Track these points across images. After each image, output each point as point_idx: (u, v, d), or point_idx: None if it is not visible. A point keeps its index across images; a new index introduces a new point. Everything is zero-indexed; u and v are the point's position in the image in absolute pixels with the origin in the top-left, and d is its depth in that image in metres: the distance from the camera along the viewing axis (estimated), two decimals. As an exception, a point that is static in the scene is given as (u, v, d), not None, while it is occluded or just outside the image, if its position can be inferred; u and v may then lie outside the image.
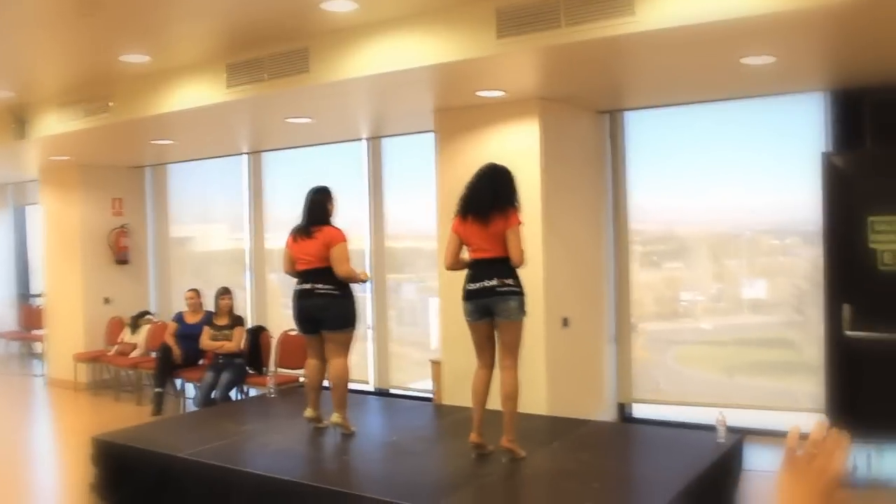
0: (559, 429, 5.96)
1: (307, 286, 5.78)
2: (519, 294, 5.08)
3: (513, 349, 5.12)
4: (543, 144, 6.75)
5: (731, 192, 7.67)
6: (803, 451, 1.46)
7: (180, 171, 11.34)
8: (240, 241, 10.82)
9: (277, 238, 10.45)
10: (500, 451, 5.09)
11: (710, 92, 6.99)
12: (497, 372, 5.16)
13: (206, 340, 8.59)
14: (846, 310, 6.41)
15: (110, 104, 7.35)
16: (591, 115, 7.60)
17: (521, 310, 5.09)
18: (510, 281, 5.06)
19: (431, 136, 8.38)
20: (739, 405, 7.22)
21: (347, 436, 5.84)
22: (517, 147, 6.71)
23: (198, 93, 6.75)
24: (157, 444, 5.77)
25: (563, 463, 5.19)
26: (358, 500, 4.53)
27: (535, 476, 4.97)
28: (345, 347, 5.90)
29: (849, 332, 6.39)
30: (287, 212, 10.21)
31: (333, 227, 5.90)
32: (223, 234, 11.44)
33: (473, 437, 5.15)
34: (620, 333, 7.86)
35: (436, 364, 7.53)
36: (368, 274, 6.24)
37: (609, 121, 7.80)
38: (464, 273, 5.25)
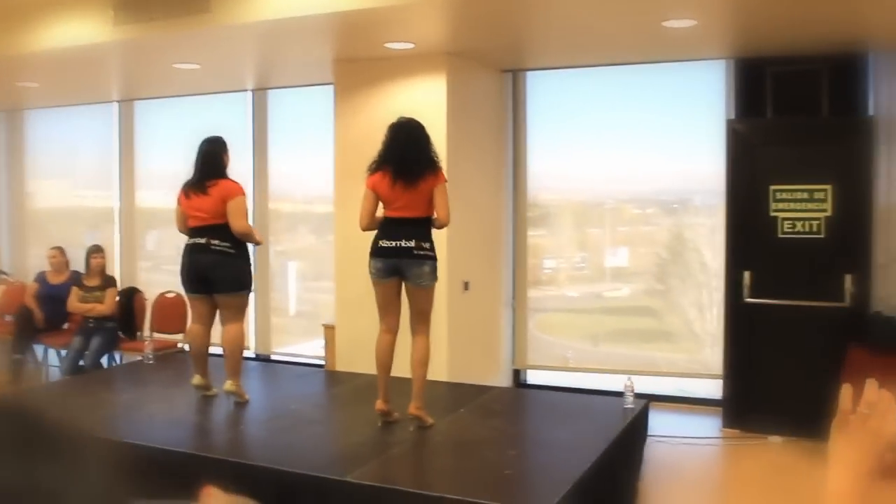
0: (463, 395, 5.91)
1: (201, 241, 5.49)
2: (433, 259, 4.99)
3: (425, 315, 5.04)
4: (450, 102, 6.66)
5: (628, 158, 7.80)
6: (856, 412, 1.42)
7: (39, 119, 10.65)
8: (107, 198, 10.29)
9: (150, 195, 10.04)
10: (407, 419, 5.00)
11: (617, 55, 7.06)
12: (402, 337, 5.07)
13: (75, 302, 8.11)
14: (746, 277, 6.63)
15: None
16: (495, 73, 7.56)
17: (434, 275, 5.01)
18: (427, 245, 4.96)
19: (320, 89, 8.23)
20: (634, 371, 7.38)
21: (241, 404, 5.62)
22: (422, 103, 6.55)
23: (79, 29, 6.30)
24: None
25: (473, 430, 5.14)
26: (263, 473, 4.35)
27: (447, 444, 4.92)
28: (240, 311, 5.68)
29: (748, 299, 6.61)
30: (161, 166, 9.81)
31: (230, 180, 5.63)
32: (88, 188, 10.84)
33: (380, 404, 5.05)
34: (517, 298, 7.90)
35: (329, 329, 7.38)
36: (262, 236, 6.00)
37: (512, 80, 7.76)
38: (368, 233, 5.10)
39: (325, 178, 7.68)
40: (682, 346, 7.70)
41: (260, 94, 8.96)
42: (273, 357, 8.99)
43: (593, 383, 7.53)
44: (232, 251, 5.51)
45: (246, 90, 8.94)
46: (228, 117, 9.19)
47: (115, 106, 9.90)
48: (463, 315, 6.78)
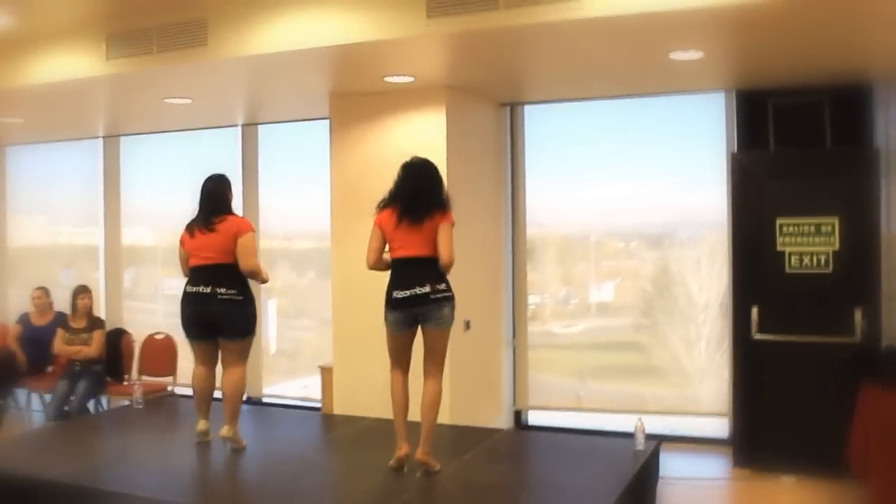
0: (467, 439, 5.79)
1: (206, 290, 5.33)
2: (452, 298, 4.89)
3: (441, 357, 4.93)
4: (450, 136, 6.60)
5: (622, 190, 7.76)
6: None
7: (20, 155, 10.51)
8: (90, 236, 10.14)
9: (136, 232, 9.91)
10: (413, 465, 4.87)
11: (617, 88, 7.06)
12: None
13: (61, 344, 7.93)
14: (754, 312, 6.56)
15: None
16: (494, 107, 7.53)
17: (453, 314, 4.92)
18: (442, 286, 4.85)
19: (308, 125, 8.20)
20: (638, 411, 7.28)
21: (238, 451, 5.47)
22: (421, 138, 6.52)
23: (70, 64, 6.21)
24: (16, 463, 5.23)
25: (481, 475, 5.01)
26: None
27: (456, 491, 4.78)
28: (243, 355, 5.52)
29: (757, 335, 6.55)
30: (147, 203, 9.70)
31: (238, 216, 5.52)
32: (70, 225, 10.69)
33: (405, 448, 4.87)
34: (518, 336, 7.81)
35: (326, 370, 7.24)
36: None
37: (510, 114, 7.74)
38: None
39: (308, 214, 7.63)
40: (671, 382, 7.66)
41: (249, 129, 8.88)
42: (264, 399, 8.83)
43: (595, 423, 7.48)
44: (239, 298, 5.36)
45: (235, 125, 8.85)
46: (216, 153, 9.12)
47: (100, 142, 9.78)
48: (465, 355, 6.67)
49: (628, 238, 8.08)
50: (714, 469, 6.74)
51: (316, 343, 9.26)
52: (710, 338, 7.51)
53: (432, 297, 4.80)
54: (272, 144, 8.93)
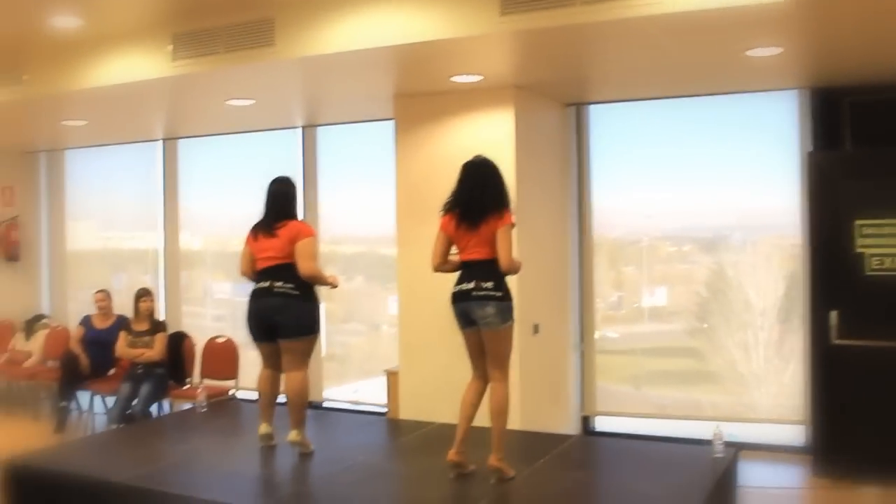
0: (539, 445, 5.72)
1: (264, 284, 5.38)
2: (498, 299, 4.77)
3: (500, 360, 4.84)
4: (518, 136, 6.56)
5: (686, 192, 7.66)
6: None
7: (79, 158, 10.68)
8: (149, 239, 10.25)
9: (193, 236, 9.99)
10: (485, 472, 4.80)
11: (686, 87, 6.97)
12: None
13: (124, 347, 8.01)
14: (833, 317, 6.42)
15: (24, 77, 6.75)
16: (560, 107, 7.47)
17: (503, 317, 4.79)
18: (488, 284, 4.76)
19: (366, 126, 8.23)
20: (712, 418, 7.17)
21: (306, 455, 5.47)
22: (489, 139, 6.47)
23: (135, 66, 6.26)
24: (86, 467, 5.27)
25: (558, 483, 4.95)
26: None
27: (533, 499, 4.71)
28: (304, 357, 5.49)
29: (836, 341, 6.40)
30: (206, 207, 9.78)
31: (299, 221, 5.53)
32: (130, 229, 10.81)
33: (452, 454, 4.84)
34: (585, 341, 7.74)
35: (392, 375, 7.23)
36: (339, 279, 5.85)
37: (575, 114, 7.68)
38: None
39: (356, 218, 7.63)
40: (727, 388, 7.55)
41: (309, 131, 8.91)
42: (324, 404, 8.84)
43: (660, 429, 7.39)
44: (295, 293, 5.35)
45: (295, 127, 8.89)
46: (274, 155, 9.15)
47: (159, 144, 9.88)
48: (534, 359, 6.62)
49: (682, 241, 8.00)
50: (792, 478, 6.61)
51: (365, 347, 9.26)
52: (768, 343, 7.39)
53: (474, 293, 4.75)
54: (331, 146, 8.96)
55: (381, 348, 9.32)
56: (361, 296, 9.29)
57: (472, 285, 4.77)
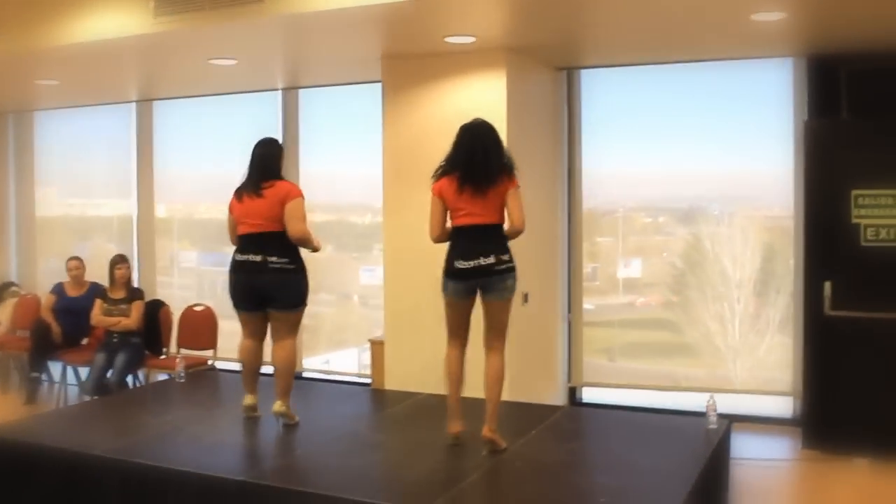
0: (529, 416, 5.71)
1: (256, 258, 5.27)
2: (515, 270, 4.84)
3: (503, 329, 4.89)
4: (510, 101, 6.50)
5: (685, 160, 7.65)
6: None
7: (49, 120, 10.48)
8: (121, 206, 10.11)
9: (159, 203, 9.87)
10: (476, 443, 4.80)
11: (682, 52, 6.93)
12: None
13: (99, 316, 7.91)
14: (827, 288, 6.44)
15: (-5, 33, 6.60)
16: (551, 71, 7.42)
17: (515, 285, 4.87)
18: (506, 257, 4.80)
19: (353, 88, 8.14)
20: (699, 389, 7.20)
21: (291, 427, 5.43)
22: (480, 103, 6.40)
23: (115, 21, 6.11)
24: (62, 439, 5.17)
25: (551, 454, 4.95)
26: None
27: (527, 470, 4.69)
28: (295, 327, 5.50)
29: (830, 312, 6.43)
30: (173, 174, 9.65)
31: (287, 181, 5.44)
32: (101, 196, 10.66)
33: (456, 425, 4.87)
34: (573, 311, 7.75)
35: (377, 344, 7.19)
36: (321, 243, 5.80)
37: (566, 79, 7.62)
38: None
39: (329, 185, 7.52)
40: (703, 361, 7.65)
41: (290, 94, 8.79)
42: (304, 374, 8.79)
43: (646, 401, 7.47)
44: (291, 267, 5.30)
45: (276, 89, 8.77)
46: (253, 119, 9.03)
47: (133, 106, 9.72)
48: (523, 329, 6.58)
49: (658, 213, 8.09)
50: (782, 450, 6.66)
51: (336, 318, 9.23)
52: (744, 316, 7.46)
53: (496, 268, 4.74)
54: (307, 111, 8.88)
55: (352, 319, 9.30)
56: (332, 265, 9.24)
57: (492, 260, 4.73)
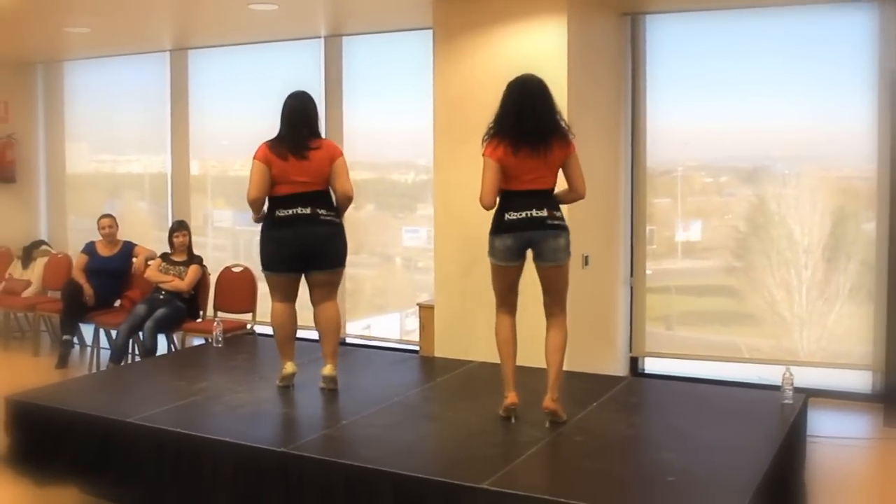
0: (590, 387, 5.63)
1: (305, 210, 5.26)
2: (568, 230, 4.79)
3: (563, 295, 4.85)
4: (571, 49, 6.38)
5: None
6: None
7: (79, 71, 10.52)
8: (155, 162, 10.15)
9: (205, 159, 9.86)
10: (533, 414, 4.76)
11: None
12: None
13: (154, 271, 8.03)
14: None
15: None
16: (615, 16, 7.27)
17: (569, 249, 4.81)
18: (559, 213, 4.74)
19: (401, 36, 8.09)
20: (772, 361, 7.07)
21: (334, 393, 5.41)
22: (539, 52, 6.32)
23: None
24: (96, 406, 5.20)
25: (615, 428, 4.87)
26: (380, 477, 4.09)
27: (590, 445, 4.60)
28: (336, 288, 5.59)
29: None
30: (206, 128, 9.63)
31: (327, 138, 5.45)
32: (134, 152, 10.70)
33: (513, 397, 4.80)
34: (636, 276, 7.64)
35: (425, 309, 7.14)
36: None
37: (630, 25, 7.47)
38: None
39: (371, 141, 7.64)
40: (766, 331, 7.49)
41: (333, 42, 8.72)
42: (346, 340, 8.78)
43: (705, 372, 7.37)
44: (338, 221, 5.38)
45: (317, 37, 8.70)
46: (294, 69, 8.97)
47: (167, 55, 9.70)
48: (583, 295, 6.50)
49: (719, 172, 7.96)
50: (861, 428, 6.52)
51: (377, 282, 9.19)
52: (812, 284, 7.30)
53: (548, 221, 4.68)
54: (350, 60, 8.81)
55: (394, 282, 9.26)
56: (372, 225, 9.22)
57: (544, 213, 4.67)
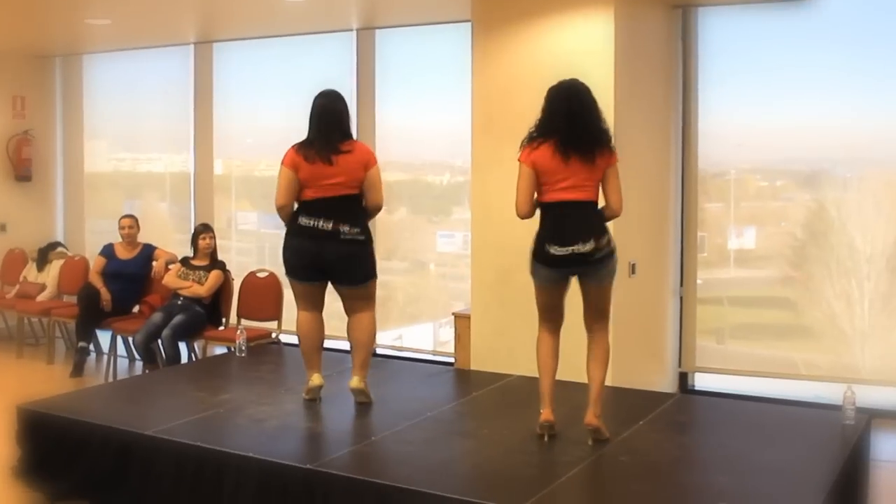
0: (636, 404, 5.62)
1: (327, 226, 5.25)
2: (615, 251, 4.82)
3: (606, 311, 4.91)
4: (618, 45, 6.37)
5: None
6: None
7: (99, 65, 10.63)
8: (177, 161, 10.23)
9: (229, 158, 9.91)
10: (573, 432, 4.77)
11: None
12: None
13: (174, 276, 8.07)
14: None
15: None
16: (666, 8, 7.24)
17: (616, 269, 4.88)
18: (605, 239, 4.74)
19: (437, 29, 8.09)
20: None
21: (365, 407, 5.42)
22: (584, 48, 6.33)
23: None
24: (113, 417, 5.25)
25: (662, 448, 4.87)
26: (413, 498, 4.10)
27: (636, 466, 4.59)
28: (370, 300, 5.58)
29: None
30: (231, 126, 9.68)
31: (361, 142, 5.47)
32: (155, 149, 10.80)
33: (547, 413, 4.82)
34: (686, 285, 7.60)
35: (461, 319, 7.13)
36: None
37: (681, 18, 7.43)
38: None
39: (404, 140, 7.68)
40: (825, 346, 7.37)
41: (366, 35, 8.75)
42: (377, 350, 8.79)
43: (759, 389, 7.30)
44: (361, 238, 5.35)
45: (349, 30, 8.74)
46: (324, 64, 9.02)
47: (191, 48, 9.79)
48: (629, 305, 6.47)
49: (777, 175, 7.90)
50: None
51: (409, 289, 9.19)
52: (875, 296, 7.20)
53: (596, 255, 4.71)
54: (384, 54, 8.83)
55: (427, 290, 9.25)
56: (405, 230, 9.22)
57: (590, 246, 4.68)
